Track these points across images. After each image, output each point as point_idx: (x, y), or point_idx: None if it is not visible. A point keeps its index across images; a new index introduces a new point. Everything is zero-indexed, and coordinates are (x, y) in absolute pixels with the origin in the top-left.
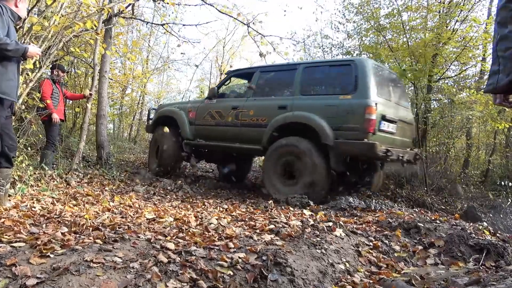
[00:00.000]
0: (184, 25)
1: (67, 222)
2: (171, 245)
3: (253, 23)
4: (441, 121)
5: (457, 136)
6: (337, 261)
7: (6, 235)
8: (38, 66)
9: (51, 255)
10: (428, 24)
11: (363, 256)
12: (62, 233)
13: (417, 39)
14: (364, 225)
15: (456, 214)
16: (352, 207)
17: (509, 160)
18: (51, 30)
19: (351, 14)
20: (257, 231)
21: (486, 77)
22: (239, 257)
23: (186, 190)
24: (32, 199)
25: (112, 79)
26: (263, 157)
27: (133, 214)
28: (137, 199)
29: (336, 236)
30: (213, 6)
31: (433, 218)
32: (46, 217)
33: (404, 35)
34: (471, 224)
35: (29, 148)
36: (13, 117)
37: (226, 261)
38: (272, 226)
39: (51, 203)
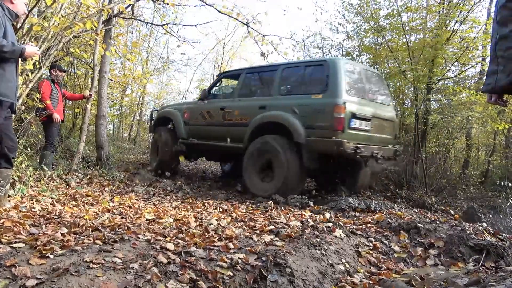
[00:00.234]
0: (184, 25)
1: (66, 223)
2: (171, 246)
3: (253, 22)
4: (440, 121)
5: (457, 136)
6: (337, 261)
7: (5, 235)
8: (37, 66)
9: (51, 256)
10: (428, 25)
11: (363, 256)
12: (61, 234)
13: (417, 40)
14: (364, 225)
15: (456, 214)
16: (352, 207)
17: (509, 161)
18: (51, 30)
19: (350, 15)
20: (257, 231)
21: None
22: (239, 258)
23: (186, 190)
24: (32, 200)
25: (112, 80)
26: None
27: (133, 215)
28: (137, 199)
29: (336, 236)
30: (213, 7)
31: (432, 219)
32: (45, 218)
33: (404, 36)
34: (471, 224)
35: (28, 149)
36: (14, 117)
37: (225, 262)
38: (272, 227)
39: (50, 204)
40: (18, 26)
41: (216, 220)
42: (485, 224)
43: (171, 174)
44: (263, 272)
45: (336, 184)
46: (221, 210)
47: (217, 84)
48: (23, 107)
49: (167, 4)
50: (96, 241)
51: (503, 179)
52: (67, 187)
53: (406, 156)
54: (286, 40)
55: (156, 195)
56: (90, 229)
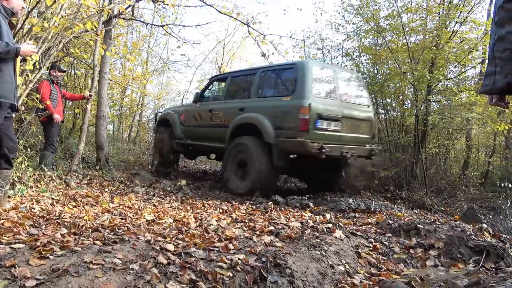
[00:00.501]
0: (184, 26)
1: (66, 223)
2: (170, 247)
3: (253, 22)
4: (440, 122)
5: (457, 137)
6: (337, 262)
7: (5, 236)
8: (37, 67)
9: (51, 257)
10: (428, 26)
11: (362, 257)
12: (61, 235)
13: (417, 41)
14: (363, 226)
15: (456, 215)
16: (351, 208)
17: (509, 162)
18: (51, 31)
19: (350, 16)
20: (257, 232)
21: None
22: (239, 259)
23: (186, 191)
24: (32, 200)
25: (111, 80)
26: None
27: (133, 215)
28: (136, 200)
29: (335, 237)
30: (213, 7)
31: (432, 220)
32: (45, 218)
33: (404, 37)
34: (471, 225)
35: (28, 149)
36: (14, 116)
37: (225, 263)
38: (271, 228)
39: (50, 204)
40: (18, 27)
41: (216, 220)
42: (485, 225)
43: (172, 174)
44: (263, 273)
45: (325, 184)
46: (221, 210)
47: (209, 87)
48: (23, 108)
49: (167, 4)
50: (95, 241)
51: (503, 180)
52: (67, 187)
53: (406, 157)
54: (287, 40)
55: (156, 196)
56: (90, 229)
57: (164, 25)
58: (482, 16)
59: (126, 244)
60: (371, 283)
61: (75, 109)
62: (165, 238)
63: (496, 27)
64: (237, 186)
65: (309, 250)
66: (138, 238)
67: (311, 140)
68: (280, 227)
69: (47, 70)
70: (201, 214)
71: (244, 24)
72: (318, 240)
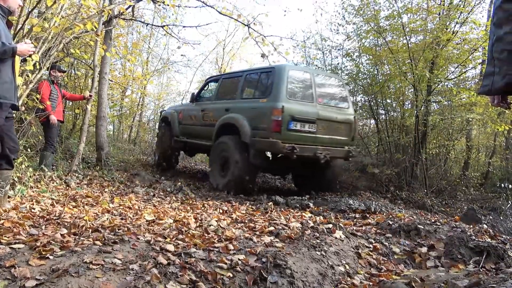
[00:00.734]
0: (184, 26)
1: (66, 224)
2: (170, 247)
3: (254, 23)
4: (441, 123)
5: (457, 138)
6: (337, 263)
7: (5, 236)
8: (38, 67)
9: (51, 257)
10: (428, 26)
11: (363, 258)
12: (61, 235)
13: (418, 41)
14: (364, 227)
15: (456, 216)
16: (352, 209)
17: (509, 162)
18: (51, 31)
19: (350, 16)
20: (257, 233)
21: None
22: (239, 259)
23: (186, 191)
24: (32, 201)
25: (112, 81)
26: None
27: (133, 216)
28: (136, 200)
29: (336, 238)
30: (214, 8)
31: (433, 220)
32: (45, 219)
33: (404, 37)
34: (471, 226)
35: (28, 150)
36: (15, 116)
37: (225, 263)
38: (271, 228)
39: (50, 205)
40: (18, 27)
41: (216, 221)
42: (485, 226)
43: (171, 170)
44: (263, 273)
45: (312, 184)
46: (221, 211)
47: (205, 88)
48: (23, 108)
49: (168, 5)
50: (95, 242)
51: (503, 180)
52: (67, 188)
53: (406, 157)
54: (287, 41)
55: (156, 196)
56: (90, 230)
57: (164, 26)
58: (482, 16)
59: (126, 244)
60: (371, 283)
61: (75, 110)
62: (165, 238)
63: (494, 28)
64: (218, 182)
65: (309, 251)
66: (138, 239)
67: (282, 140)
68: (280, 227)
69: (47, 70)
70: (201, 215)
71: (245, 25)
72: (318, 241)
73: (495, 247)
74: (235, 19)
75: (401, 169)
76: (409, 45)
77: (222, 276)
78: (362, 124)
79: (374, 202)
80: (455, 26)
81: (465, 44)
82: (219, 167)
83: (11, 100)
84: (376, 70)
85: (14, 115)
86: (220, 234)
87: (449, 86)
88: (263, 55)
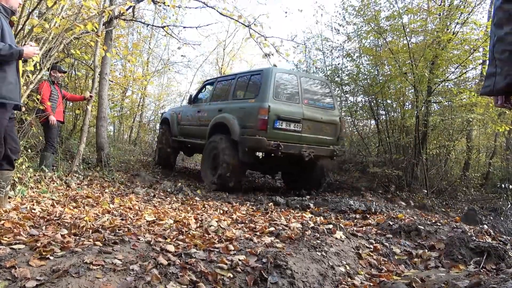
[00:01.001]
0: (184, 27)
1: (67, 224)
2: (171, 247)
3: (254, 24)
4: (441, 123)
5: (458, 138)
6: (338, 263)
7: (5, 237)
8: (38, 68)
9: (51, 257)
10: (429, 27)
11: (363, 258)
12: (61, 235)
13: (418, 42)
14: (364, 227)
15: (457, 216)
16: (352, 209)
17: (510, 163)
18: (52, 32)
19: (351, 17)
20: (257, 233)
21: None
22: (239, 260)
23: (186, 192)
24: (32, 201)
25: (112, 81)
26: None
27: (133, 216)
28: (137, 201)
29: (336, 238)
30: (214, 9)
31: (433, 221)
32: (45, 219)
33: (405, 38)
34: (472, 226)
35: (29, 150)
36: (16, 115)
37: (226, 264)
38: (272, 229)
39: (51, 205)
40: (19, 28)
41: (217, 221)
42: (486, 226)
43: (170, 168)
44: (264, 274)
45: (300, 182)
46: (221, 211)
47: (202, 90)
48: (23, 109)
49: (168, 6)
50: (96, 242)
51: (504, 181)
52: (68, 188)
53: (407, 158)
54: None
55: (157, 197)
56: (90, 230)
57: (164, 26)
58: (483, 17)
59: (127, 245)
60: (371, 284)
61: (75, 110)
62: (166, 239)
63: (495, 28)
64: (208, 179)
65: (309, 251)
66: (139, 239)
67: (268, 138)
68: (281, 228)
69: (48, 71)
70: (202, 215)
71: (246, 26)
72: (318, 241)
73: (495, 248)
74: (235, 20)
75: (402, 170)
76: (410, 46)
77: (222, 277)
78: (363, 125)
79: (374, 203)
80: (455, 26)
81: (466, 45)
82: (210, 165)
83: (16, 101)
84: (376, 71)
85: (15, 115)
86: (220, 234)
87: (449, 86)
88: (266, 55)
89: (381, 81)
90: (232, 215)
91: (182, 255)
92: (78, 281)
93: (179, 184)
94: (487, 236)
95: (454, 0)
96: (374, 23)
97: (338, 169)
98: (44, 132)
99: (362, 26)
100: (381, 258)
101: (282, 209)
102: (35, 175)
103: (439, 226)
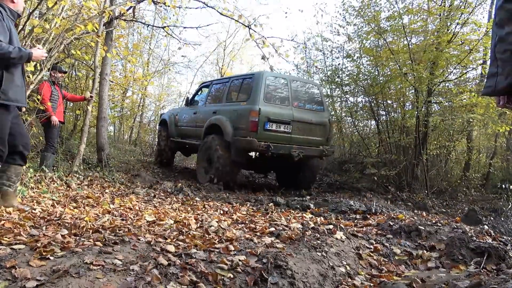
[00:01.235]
0: (185, 27)
1: (67, 224)
2: (171, 248)
3: (254, 24)
4: (441, 124)
5: (458, 139)
6: (338, 264)
7: (6, 237)
8: (39, 68)
9: (51, 258)
10: (429, 27)
11: (363, 259)
12: (62, 235)
13: (418, 42)
14: (364, 228)
15: (457, 217)
16: (352, 210)
17: (510, 163)
18: (52, 32)
19: (351, 17)
20: (258, 233)
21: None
22: (239, 260)
23: (187, 192)
24: (32, 201)
25: (112, 82)
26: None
27: (133, 217)
28: (137, 201)
29: (336, 239)
30: (214, 9)
31: (434, 221)
32: (46, 219)
33: (405, 38)
34: (472, 227)
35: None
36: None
37: (226, 264)
38: (272, 229)
39: (51, 205)
40: (19, 28)
41: (217, 222)
42: (486, 227)
43: (168, 167)
44: (264, 274)
45: (293, 180)
46: (221, 212)
47: (199, 93)
48: (23, 109)
49: (168, 6)
50: (96, 242)
51: (504, 181)
52: (68, 188)
53: (407, 158)
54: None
55: (157, 197)
56: (91, 230)
57: (165, 27)
58: (483, 17)
59: (127, 245)
60: (372, 284)
61: (76, 111)
62: (166, 239)
63: (496, 28)
64: (202, 178)
65: (310, 252)
66: (139, 239)
67: (258, 139)
68: (281, 228)
69: (48, 71)
70: (202, 215)
71: (246, 26)
72: (319, 242)
73: (496, 248)
74: (236, 20)
75: (402, 170)
76: (410, 46)
77: (222, 277)
78: (363, 125)
79: (374, 203)
80: (455, 27)
81: (466, 45)
82: (204, 164)
83: (22, 103)
84: (377, 71)
85: (22, 113)
86: (220, 235)
87: (450, 87)
88: (263, 57)
89: (381, 81)
90: (233, 215)
91: (183, 256)
92: (78, 281)
93: (180, 184)
94: (487, 237)
95: (455, 1)
96: (374, 24)
97: (339, 169)
98: (45, 133)
99: (363, 26)
100: (381, 258)
101: (283, 210)
102: (35, 175)
103: (440, 226)
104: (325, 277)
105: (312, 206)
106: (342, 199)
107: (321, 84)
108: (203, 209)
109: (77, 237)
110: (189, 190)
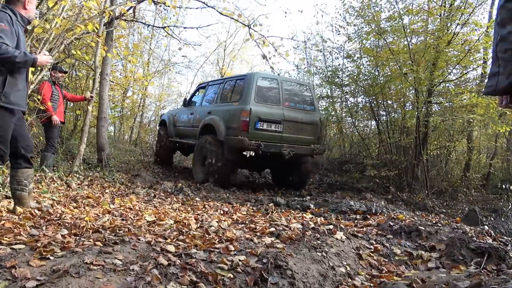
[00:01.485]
0: (185, 27)
1: (67, 224)
2: (171, 248)
3: (254, 24)
4: (442, 124)
5: (458, 139)
6: (338, 264)
7: (6, 237)
8: (39, 68)
9: (51, 257)
10: (429, 28)
11: (364, 259)
12: (62, 235)
13: (418, 43)
14: (365, 228)
15: (457, 217)
16: (352, 210)
17: (510, 164)
18: (53, 32)
19: (351, 17)
20: (258, 234)
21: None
22: (240, 260)
23: (187, 192)
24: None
25: (113, 82)
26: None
27: (134, 217)
28: (137, 201)
29: (336, 239)
30: (214, 9)
31: (434, 222)
32: (46, 219)
33: (405, 38)
34: (472, 227)
35: None
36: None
37: (226, 264)
38: (272, 229)
39: (51, 205)
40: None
41: (217, 222)
42: (486, 227)
43: (167, 166)
44: (264, 275)
45: (287, 178)
46: (221, 212)
47: (196, 94)
48: None
49: (169, 6)
50: (96, 242)
51: (505, 182)
52: (68, 188)
53: (407, 158)
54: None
55: (157, 197)
56: (91, 230)
57: (165, 27)
58: (484, 18)
59: (127, 245)
60: (372, 284)
61: (76, 111)
62: (166, 239)
63: (498, 27)
64: (198, 176)
65: (310, 252)
66: (139, 239)
67: (249, 138)
68: (281, 228)
69: (49, 71)
70: (202, 216)
71: (246, 26)
72: (319, 242)
73: (496, 248)
74: (235, 20)
75: (402, 170)
76: (410, 46)
77: (222, 277)
78: (363, 125)
79: (375, 203)
80: (456, 27)
81: (466, 46)
82: (200, 163)
83: (23, 108)
84: (377, 71)
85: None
86: (220, 235)
87: (450, 87)
88: (264, 57)
89: (381, 81)
90: (233, 215)
91: (183, 256)
92: (78, 281)
93: (180, 184)
94: (487, 237)
95: (455, 1)
96: (374, 24)
97: (339, 170)
98: (45, 132)
99: (363, 27)
100: (381, 258)
101: (283, 210)
102: (35, 176)
103: (440, 226)
104: (325, 277)
105: (312, 206)
106: (342, 199)
107: (321, 84)
108: (203, 209)
109: (77, 237)
110: (189, 190)
